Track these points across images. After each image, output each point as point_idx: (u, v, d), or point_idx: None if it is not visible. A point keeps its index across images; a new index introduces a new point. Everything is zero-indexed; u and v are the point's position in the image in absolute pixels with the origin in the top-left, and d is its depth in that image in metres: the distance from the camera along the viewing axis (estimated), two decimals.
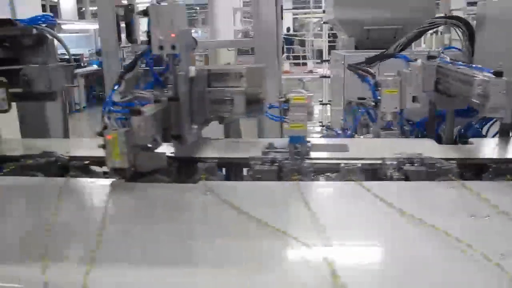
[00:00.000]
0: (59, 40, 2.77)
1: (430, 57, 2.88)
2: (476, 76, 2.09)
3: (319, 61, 14.70)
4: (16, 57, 2.68)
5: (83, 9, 17.07)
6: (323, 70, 10.36)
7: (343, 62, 3.83)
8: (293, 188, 1.97)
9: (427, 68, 2.66)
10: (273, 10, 3.00)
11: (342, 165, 2.17)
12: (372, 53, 4.28)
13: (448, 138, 2.72)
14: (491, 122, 3.13)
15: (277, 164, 2.21)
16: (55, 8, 14.82)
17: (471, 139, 2.76)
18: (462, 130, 3.11)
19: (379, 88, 2.69)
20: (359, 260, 1.46)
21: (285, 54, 14.63)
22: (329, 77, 8.63)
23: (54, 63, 2.70)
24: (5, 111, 2.54)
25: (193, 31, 4.65)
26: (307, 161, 2.23)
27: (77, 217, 1.84)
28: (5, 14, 5.90)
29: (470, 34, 2.93)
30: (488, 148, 2.65)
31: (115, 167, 1.98)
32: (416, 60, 2.79)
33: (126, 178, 2.04)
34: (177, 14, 2.17)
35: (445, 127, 2.73)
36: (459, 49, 3.11)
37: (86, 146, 2.90)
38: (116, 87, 2.29)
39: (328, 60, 9.52)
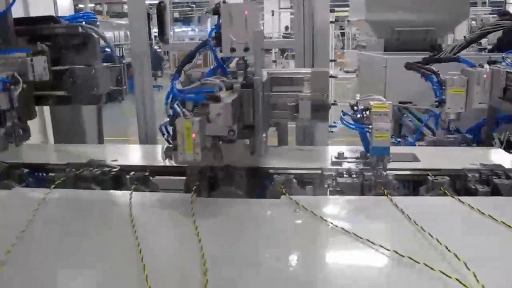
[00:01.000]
0: (105, 40, 2.58)
1: (490, 62, 2.77)
2: None
3: None
4: (58, 57, 2.48)
5: (80, 6, 16.73)
6: (330, 70, 10.18)
7: (384, 65, 3.69)
8: (386, 203, 1.82)
9: (495, 74, 2.56)
10: (327, 11, 2.84)
11: (430, 178, 2.02)
12: (409, 55, 4.17)
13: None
14: None
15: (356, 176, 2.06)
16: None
17: None
18: None
19: (443, 88, 2.55)
20: None
21: (286, 53, 14.46)
22: (336, 77, 8.52)
23: (98, 64, 2.51)
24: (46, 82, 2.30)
25: (189, 29, 4.47)
26: (389, 172, 2.07)
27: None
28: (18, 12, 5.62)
29: None
30: None
31: (187, 160, 1.79)
32: (481, 65, 2.66)
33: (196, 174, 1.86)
34: (251, 13, 2.00)
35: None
36: None
37: (127, 153, 2.73)
38: (176, 78, 2.09)
39: (334, 60, 9.37)
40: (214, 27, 2.17)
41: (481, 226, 1.63)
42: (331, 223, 1.64)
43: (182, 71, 2.21)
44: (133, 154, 2.80)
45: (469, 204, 1.76)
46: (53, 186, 2.09)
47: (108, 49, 2.69)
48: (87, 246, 1.57)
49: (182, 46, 7.32)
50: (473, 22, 12.42)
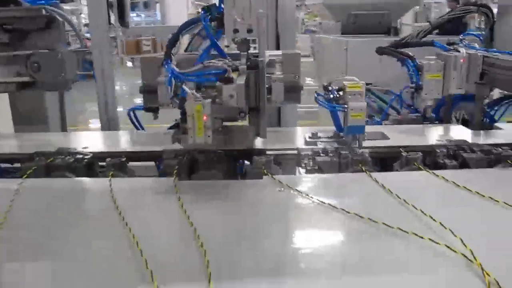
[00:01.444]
0: (70, 23, 2.48)
1: (449, 44, 2.88)
2: None
3: None
4: (20, 41, 2.37)
5: None
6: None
7: (345, 48, 3.76)
8: (366, 179, 1.89)
9: (472, 59, 2.62)
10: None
11: (404, 154, 2.10)
12: (364, 37, 4.28)
13: (477, 123, 2.73)
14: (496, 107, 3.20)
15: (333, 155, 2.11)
16: None
17: (496, 124, 2.80)
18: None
19: (420, 73, 2.61)
20: None
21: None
22: None
23: (63, 48, 2.41)
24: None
25: (134, 15, 4.36)
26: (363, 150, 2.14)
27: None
28: None
29: (493, 22, 2.97)
30: None
31: (198, 143, 1.74)
32: (454, 49, 2.71)
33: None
34: None
35: (475, 113, 2.74)
36: (475, 35, 3.13)
37: (93, 140, 2.66)
38: (168, 61, 2.03)
39: None
40: (203, 10, 2.10)
41: (458, 197, 1.73)
42: (318, 199, 1.68)
43: (171, 54, 2.16)
44: (101, 141, 2.72)
45: (443, 177, 1.85)
46: (25, 176, 2.01)
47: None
48: (78, 234, 1.53)
49: (142, 31, 7.16)
50: (417, 7, 12.84)
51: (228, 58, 2.01)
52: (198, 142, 1.70)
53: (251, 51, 2.10)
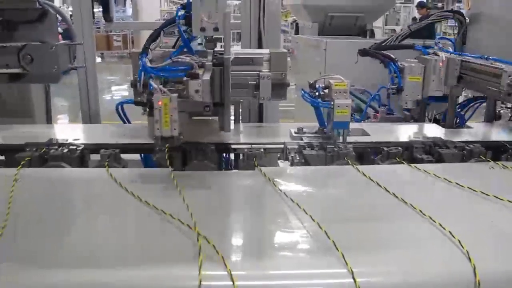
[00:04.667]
0: (63, 16, 2.51)
1: (425, 47, 3.05)
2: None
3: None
4: (11, 33, 2.38)
5: None
6: None
7: (324, 48, 3.90)
8: (351, 171, 2.01)
9: (450, 63, 2.76)
10: None
11: (385, 149, 2.24)
12: (342, 39, 4.43)
13: (449, 122, 2.90)
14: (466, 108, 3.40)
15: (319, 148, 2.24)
16: None
17: (468, 123, 2.99)
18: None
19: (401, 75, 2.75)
20: None
21: None
22: None
23: (55, 40, 2.44)
24: None
25: (97, 10, 4.38)
26: (349, 145, 2.27)
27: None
28: None
29: (465, 27, 3.17)
30: (491, 131, 2.86)
31: (164, 135, 1.83)
32: (434, 53, 2.87)
33: (174, 147, 1.93)
34: None
35: (447, 113, 2.91)
36: (449, 39, 3.33)
37: (80, 132, 2.70)
38: (144, 55, 2.11)
39: None
40: (179, 7, 2.22)
41: (439, 187, 1.88)
42: (310, 189, 1.80)
43: (149, 49, 2.24)
44: (89, 134, 2.75)
45: (424, 170, 2.00)
46: (20, 166, 2.04)
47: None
48: (93, 216, 1.63)
49: (125, 26, 7.11)
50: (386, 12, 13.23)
51: (196, 55, 2.10)
52: (165, 135, 1.79)
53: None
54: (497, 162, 2.17)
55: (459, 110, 3.28)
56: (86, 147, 2.31)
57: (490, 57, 2.59)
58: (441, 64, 2.71)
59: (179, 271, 1.27)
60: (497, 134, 2.77)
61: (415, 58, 2.82)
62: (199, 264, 1.27)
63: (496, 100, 3.01)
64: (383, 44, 3.20)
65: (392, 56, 2.80)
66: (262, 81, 2.44)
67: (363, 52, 3.02)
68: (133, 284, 1.26)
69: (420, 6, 12.52)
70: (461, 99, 3.46)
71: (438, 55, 2.74)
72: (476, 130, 2.82)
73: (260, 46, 3.48)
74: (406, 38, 3.31)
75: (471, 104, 3.33)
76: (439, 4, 14.88)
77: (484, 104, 3.11)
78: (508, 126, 2.89)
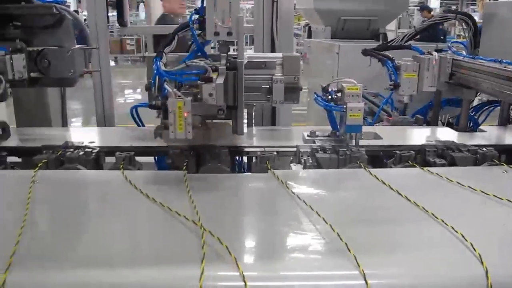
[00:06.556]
0: (79, 21, 2.56)
1: (438, 50, 3.05)
2: None
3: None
4: (29, 38, 2.43)
5: None
6: None
7: (337, 52, 3.92)
8: (364, 174, 2.02)
9: (443, 61, 2.85)
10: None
11: (398, 152, 2.25)
12: (355, 42, 4.44)
13: (462, 126, 2.90)
14: (480, 112, 3.39)
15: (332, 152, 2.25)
16: None
17: (481, 127, 2.97)
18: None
19: (398, 72, 2.82)
20: None
21: None
22: None
23: (72, 45, 2.49)
24: (23, 81, 2.28)
25: (111, 14, 4.42)
26: (361, 149, 2.28)
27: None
28: None
29: (475, 29, 3.17)
30: (504, 134, 2.84)
31: (178, 139, 1.85)
32: (429, 52, 2.92)
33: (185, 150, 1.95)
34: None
35: (460, 116, 2.91)
36: (461, 43, 3.33)
37: (96, 135, 2.74)
38: (158, 59, 2.15)
39: None
40: (193, 11, 2.25)
41: (451, 191, 1.88)
42: (323, 192, 1.81)
43: (163, 53, 2.27)
44: (104, 137, 2.80)
45: (437, 174, 2.00)
46: (37, 168, 2.09)
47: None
48: (108, 218, 1.66)
49: (140, 30, 7.19)
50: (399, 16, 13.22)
51: (209, 58, 2.13)
52: (179, 138, 1.81)
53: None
54: (510, 166, 2.16)
55: (473, 113, 3.29)
56: (101, 149, 2.35)
57: (504, 60, 2.59)
58: (434, 62, 2.80)
59: (192, 272, 1.29)
60: (511, 137, 2.76)
61: (412, 58, 2.89)
62: (212, 265, 1.29)
63: (510, 104, 3.01)
64: (389, 44, 3.26)
65: (389, 55, 2.86)
66: (275, 84, 2.45)
67: (365, 52, 3.09)
68: (146, 285, 1.28)
69: (423, 9, 12.54)
70: (475, 103, 3.48)
71: (432, 55, 2.84)
72: (489, 133, 2.81)
73: (273, 49, 3.51)
74: (412, 39, 3.35)
75: (485, 108, 3.33)
76: (453, 7, 14.82)
77: (498, 107, 3.12)
78: None
